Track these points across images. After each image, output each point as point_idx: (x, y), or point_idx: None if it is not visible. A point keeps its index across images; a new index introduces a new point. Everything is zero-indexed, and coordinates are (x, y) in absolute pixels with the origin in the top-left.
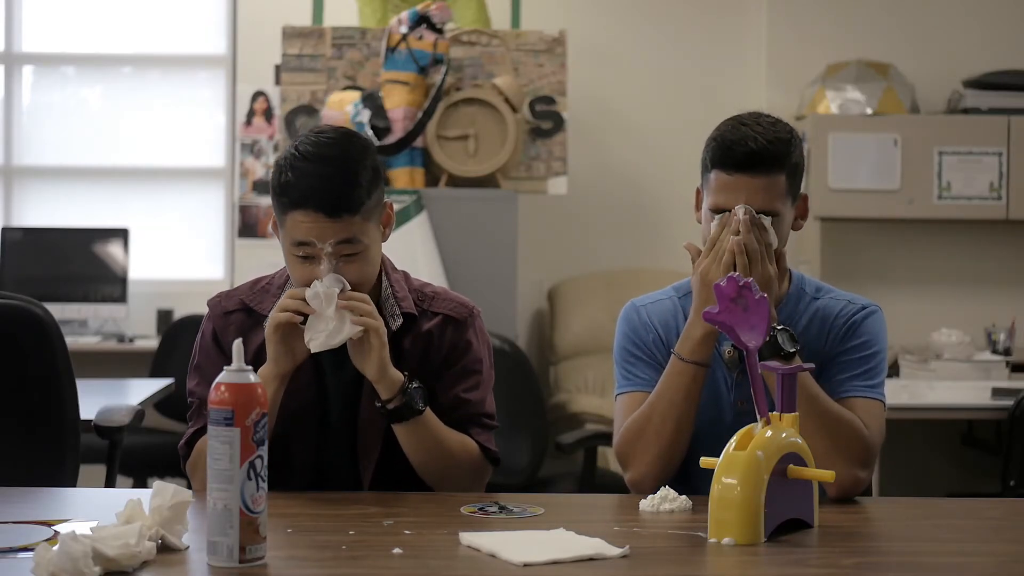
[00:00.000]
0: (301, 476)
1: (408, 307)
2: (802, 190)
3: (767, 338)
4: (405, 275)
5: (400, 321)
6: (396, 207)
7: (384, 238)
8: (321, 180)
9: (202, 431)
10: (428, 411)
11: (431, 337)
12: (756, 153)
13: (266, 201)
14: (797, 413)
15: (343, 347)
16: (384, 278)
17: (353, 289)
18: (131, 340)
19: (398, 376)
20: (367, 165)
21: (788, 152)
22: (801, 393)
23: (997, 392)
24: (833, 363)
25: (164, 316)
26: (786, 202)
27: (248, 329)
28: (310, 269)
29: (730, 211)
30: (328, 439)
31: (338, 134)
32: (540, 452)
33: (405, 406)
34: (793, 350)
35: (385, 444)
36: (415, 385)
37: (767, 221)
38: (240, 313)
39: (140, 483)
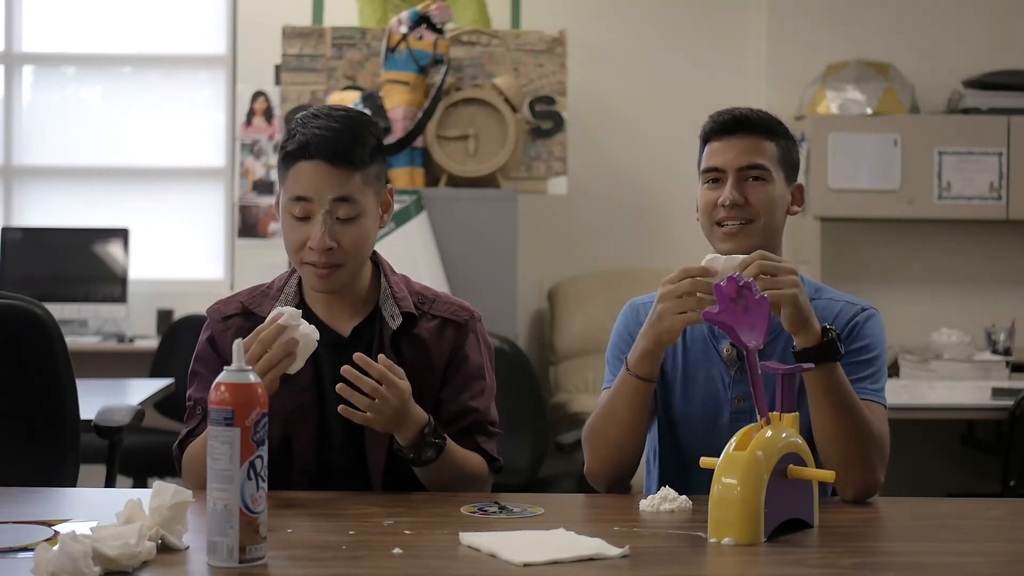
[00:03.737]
0: (304, 476)
1: (408, 307)
2: (803, 199)
3: (825, 339)
4: (405, 278)
5: (399, 321)
6: (396, 207)
7: (382, 223)
8: (328, 131)
9: (192, 433)
10: (447, 446)
11: (431, 340)
12: (744, 116)
13: (266, 201)
14: (797, 413)
15: (345, 350)
16: (383, 279)
17: (345, 258)
18: (131, 340)
19: (414, 430)
20: (372, 134)
21: (777, 127)
22: (844, 396)
23: (997, 392)
24: None
25: (164, 316)
26: (777, 170)
27: (247, 332)
28: (305, 229)
29: (722, 172)
30: (328, 439)
31: (348, 108)
32: (540, 452)
33: (416, 458)
34: (843, 354)
35: (392, 443)
36: (433, 434)
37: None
38: (239, 317)
39: (140, 483)
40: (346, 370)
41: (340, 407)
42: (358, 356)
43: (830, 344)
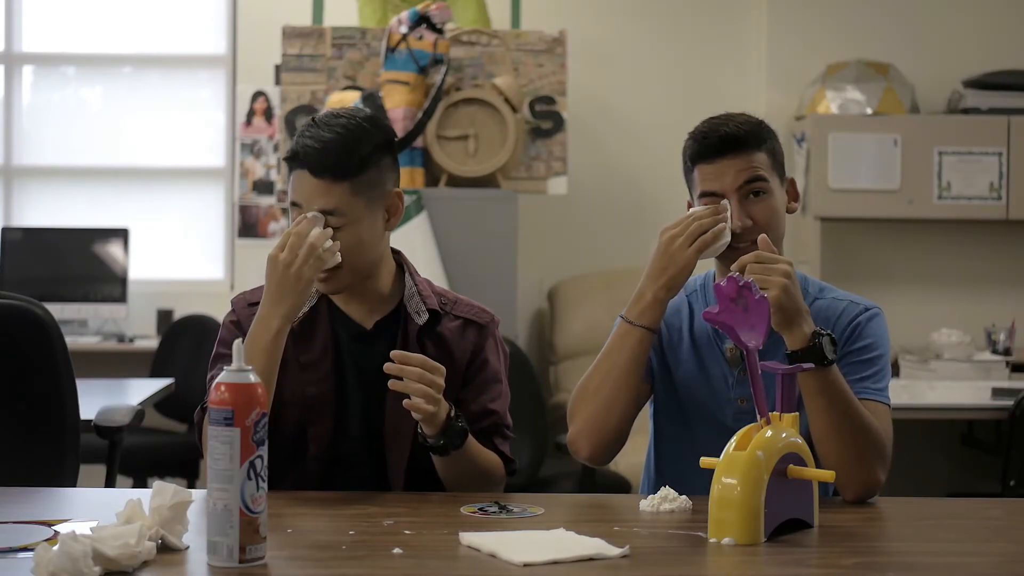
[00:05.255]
0: (317, 464)
1: (433, 305)
2: (799, 191)
3: (812, 343)
4: (428, 282)
5: (425, 317)
6: None
7: (388, 228)
8: (317, 142)
9: None
10: (469, 438)
11: (453, 339)
12: (732, 135)
13: (266, 201)
14: (797, 414)
15: (367, 342)
16: (409, 278)
17: (334, 266)
18: (131, 340)
19: (442, 417)
20: (370, 141)
21: (761, 134)
22: (838, 397)
23: (997, 392)
24: (839, 364)
25: (164, 316)
26: (773, 177)
27: None
28: None
29: (721, 196)
30: (346, 429)
31: (356, 112)
32: (540, 452)
33: (443, 446)
34: (833, 357)
35: (414, 440)
36: (459, 424)
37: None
38: None
39: (140, 483)
40: (388, 367)
41: (404, 402)
42: (396, 354)
43: (816, 349)
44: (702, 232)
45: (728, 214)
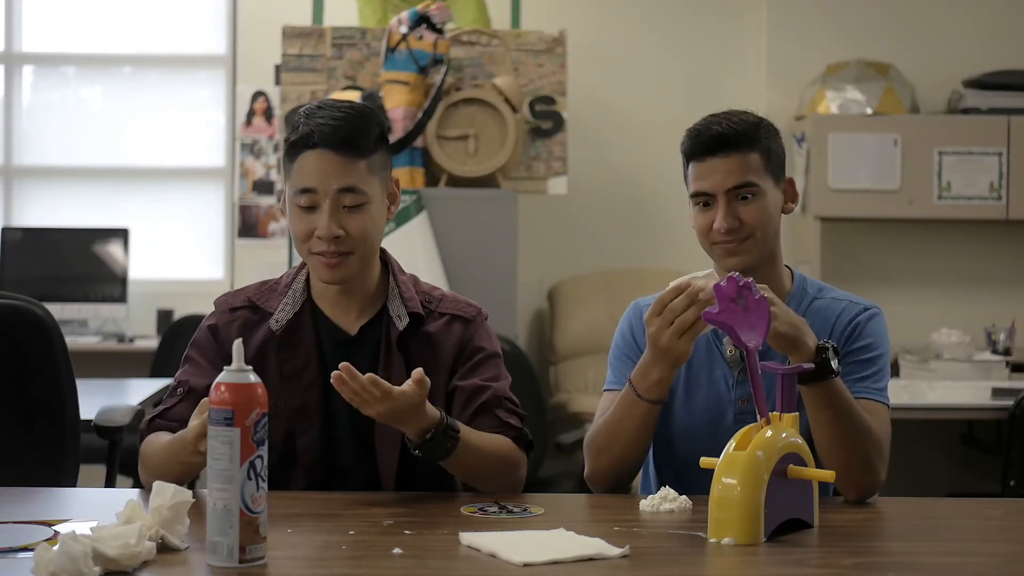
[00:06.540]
0: (308, 474)
1: (415, 307)
2: (798, 191)
3: (819, 358)
4: (414, 278)
5: (406, 322)
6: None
7: (390, 215)
8: (333, 120)
9: (165, 414)
10: (462, 436)
11: (439, 335)
12: (723, 135)
13: (266, 201)
14: (797, 414)
15: (351, 349)
16: (391, 279)
17: (353, 246)
18: (131, 340)
19: (424, 426)
20: (376, 124)
21: (756, 133)
22: (843, 407)
23: (997, 392)
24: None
25: (164, 316)
26: (765, 179)
27: (252, 326)
28: (312, 219)
29: (711, 196)
30: (334, 437)
31: (350, 100)
32: (540, 452)
33: (430, 454)
34: (839, 368)
35: (404, 443)
36: (447, 424)
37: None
38: (245, 310)
39: (140, 483)
40: (335, 376)
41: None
42: (344, 366)
43: (824, 364)
44: (687, 325)
45: (709, 278)
